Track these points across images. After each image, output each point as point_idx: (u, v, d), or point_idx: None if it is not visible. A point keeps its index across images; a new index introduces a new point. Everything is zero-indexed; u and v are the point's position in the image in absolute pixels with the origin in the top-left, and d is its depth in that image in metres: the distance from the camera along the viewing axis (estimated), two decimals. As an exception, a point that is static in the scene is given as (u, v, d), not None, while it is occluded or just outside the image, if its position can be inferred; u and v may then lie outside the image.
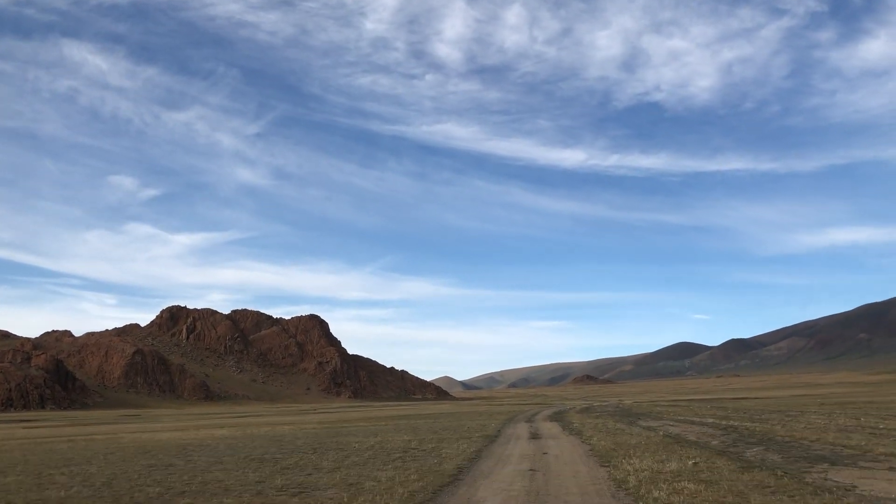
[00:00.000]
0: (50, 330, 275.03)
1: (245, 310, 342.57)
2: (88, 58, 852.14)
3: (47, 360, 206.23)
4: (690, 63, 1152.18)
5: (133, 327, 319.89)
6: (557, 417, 52.76)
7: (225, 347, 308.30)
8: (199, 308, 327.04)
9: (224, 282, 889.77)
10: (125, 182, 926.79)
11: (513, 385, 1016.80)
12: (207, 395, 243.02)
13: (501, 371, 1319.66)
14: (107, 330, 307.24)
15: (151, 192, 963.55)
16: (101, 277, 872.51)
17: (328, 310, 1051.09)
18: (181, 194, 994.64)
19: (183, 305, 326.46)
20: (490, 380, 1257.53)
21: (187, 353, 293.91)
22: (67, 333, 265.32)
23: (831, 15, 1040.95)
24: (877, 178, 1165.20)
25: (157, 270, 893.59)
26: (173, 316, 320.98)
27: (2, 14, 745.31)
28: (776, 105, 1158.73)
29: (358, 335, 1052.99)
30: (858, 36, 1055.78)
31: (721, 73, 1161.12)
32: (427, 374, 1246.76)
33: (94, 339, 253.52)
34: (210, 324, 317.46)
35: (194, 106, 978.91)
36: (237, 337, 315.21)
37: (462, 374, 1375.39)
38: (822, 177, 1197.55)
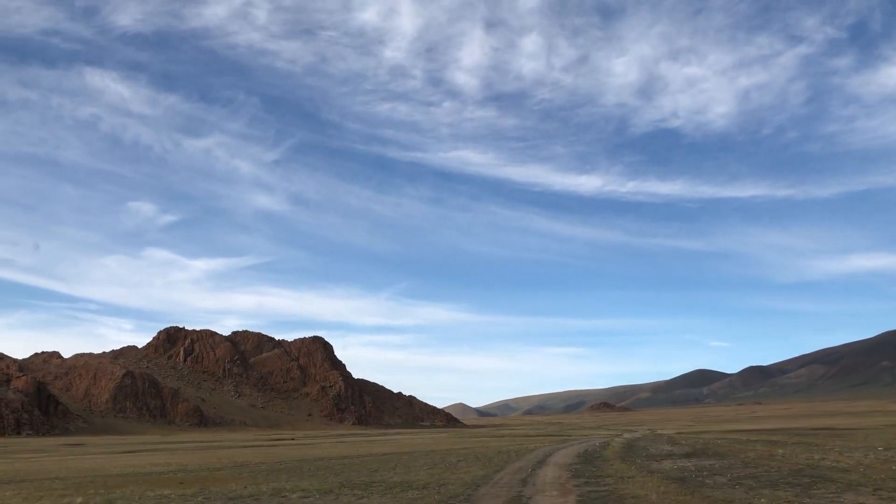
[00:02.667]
0: (39, 351, 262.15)
1: (246, 331, 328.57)
2: (111, 85, 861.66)
3: (27, 383, 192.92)
4: (707, 90, 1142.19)
5: (130, 349, 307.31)
6: (594, 484, 24.76)
7: (224, 370, 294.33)
8: (197, 329, 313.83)
9: (240, 307, 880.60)
10: (144, 208, 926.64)
11: (527, 412, 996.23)
12: (201, 420, 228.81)
13: (516, 398, 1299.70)
14: (104, 352, 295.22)
15: (170, 218, 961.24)
16: (119, 302, 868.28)
17: (343, 335, 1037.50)
18: (199, 220, 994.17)
19: (181, 326, 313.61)
20: (505, 407, 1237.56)
21: (184, 377, 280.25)
22: (56, 355, 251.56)
23: (850, 42, 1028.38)
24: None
25: (174, 295, 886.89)
26: (171, 337, 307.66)
27: (28, 43, 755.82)
28: (793, 131, 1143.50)
29: (373, 361, 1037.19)
30: (877, 63, 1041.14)
31: (738, 99, 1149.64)
32: (441, 400, 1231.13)
33: (83, 361, 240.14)
34: (209, 346, 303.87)
35: (214, 133, 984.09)
36: (237, 359, 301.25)
37: (476, 400, 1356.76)
38: (841, 203, 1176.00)
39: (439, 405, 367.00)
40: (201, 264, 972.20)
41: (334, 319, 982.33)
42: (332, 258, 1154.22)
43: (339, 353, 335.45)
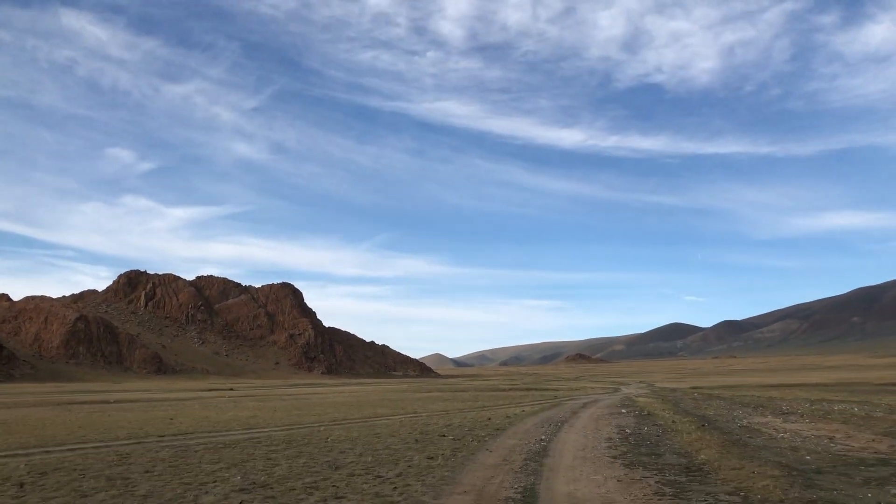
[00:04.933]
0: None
1: (211, 276, 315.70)
2: (88, 28, 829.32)
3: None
4: (692, 45, 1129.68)
5: (89, 293, 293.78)
6: None
7: (186, 316, 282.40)
8: (160, 273, 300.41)
9: (218, 256, 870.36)
10: (122, 154, 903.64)
11: (504, 363, 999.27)
12: (160, 368, 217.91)
13: (493, 349, 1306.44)
14: (63, 296, 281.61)
15: (148, 165, 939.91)
16: (96, 249, 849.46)
17: (322, 286, 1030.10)
18: (178, 168, 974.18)
19: (143, 270, 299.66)
20: (481, 357, 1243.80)
21: (144, 322, 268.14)
22: (5, 297, 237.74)
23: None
24: (874, 163, 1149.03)
25: (152, 243, 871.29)
26: (131, 281, 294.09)
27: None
28: (776, 88, 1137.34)
29: (351, 312, 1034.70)
30: (861, 21, 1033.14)
31: (722, 55, 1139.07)
32: (418, 351, 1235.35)
33: (34, 304, 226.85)
34: (171, 291, 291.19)
35: (193, 79, 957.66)
36: (201, 305, 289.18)
37: (454, 351, 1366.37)
38: (820, 161, 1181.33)
39: (417, 356, 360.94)
40: (180, 212, 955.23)
41: (313, 270, 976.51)
42: (311, 208, 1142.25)
43: (314, 303, 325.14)
